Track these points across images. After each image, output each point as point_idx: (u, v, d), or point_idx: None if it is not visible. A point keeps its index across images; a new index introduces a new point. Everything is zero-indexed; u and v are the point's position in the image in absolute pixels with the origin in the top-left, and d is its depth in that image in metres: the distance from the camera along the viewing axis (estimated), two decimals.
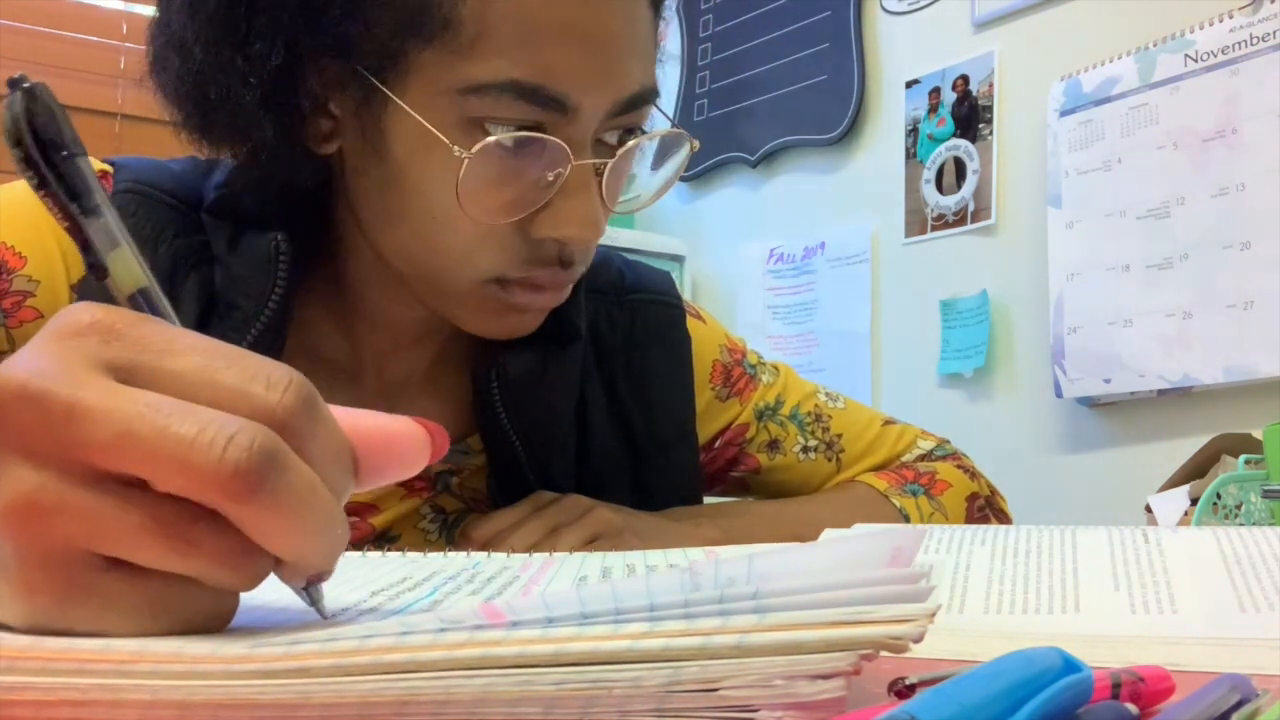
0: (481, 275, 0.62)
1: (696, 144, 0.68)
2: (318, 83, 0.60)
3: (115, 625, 0.27)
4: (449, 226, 0.59)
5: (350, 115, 0.61)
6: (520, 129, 0.57)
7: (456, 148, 0.57)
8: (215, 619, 0.29)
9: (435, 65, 0.57)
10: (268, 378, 0.28)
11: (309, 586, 0.31)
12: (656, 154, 0.69)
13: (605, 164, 0.61)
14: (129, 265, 0.33)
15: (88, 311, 0.28)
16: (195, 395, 0.27)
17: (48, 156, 0.32)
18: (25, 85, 0.31)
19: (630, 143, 0.62)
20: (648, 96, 0.62)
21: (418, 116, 0.57)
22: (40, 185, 0.32)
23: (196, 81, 0.60)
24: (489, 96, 0.56)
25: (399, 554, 0.53)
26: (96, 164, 0.69)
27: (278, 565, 0.29)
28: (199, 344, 0.28)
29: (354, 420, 0.31)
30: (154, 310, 0.33)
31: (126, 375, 0.27)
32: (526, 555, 0.55)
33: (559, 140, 0.58)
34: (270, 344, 0.63)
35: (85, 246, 0.32)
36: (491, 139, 0.57)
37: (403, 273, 0.65)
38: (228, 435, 0.26)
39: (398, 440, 0.31)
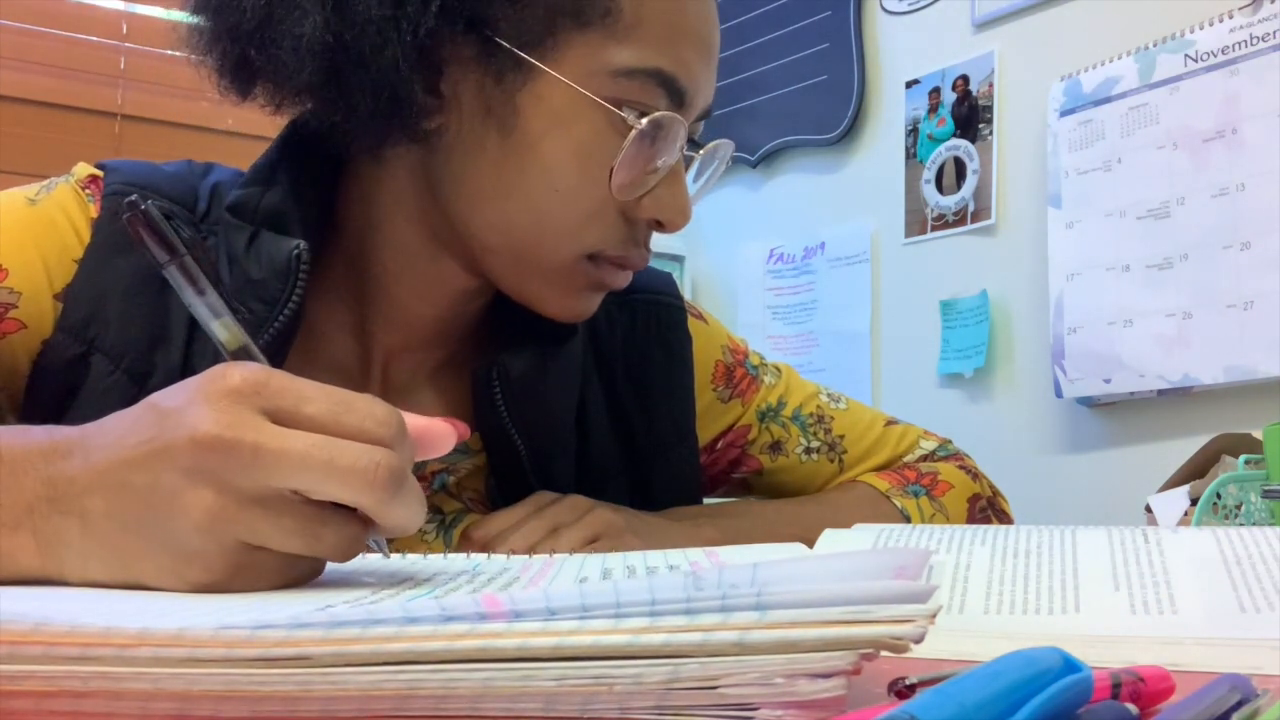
0: (583, 249, 0.65)
1: (731, 154, 0.76)
2: (446, 55, 0.61)
3: (257, 587, 0.39)
4: (567, 200, 0.63)
5: (472, 90, 0.62)
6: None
7: (630, 116, 0.62)
8: (317, 574, 0.42)
9: (588, 46, 0.61)
10: (375, 415, 0.40)
11: (385, 541, 0.46)
12: (702, 161, 0.75)
13: (695, 157, 0.70)
14: (230, 329, 0.48)
15: (236, 372, 0.39)
16: (329, 430, 0.38)
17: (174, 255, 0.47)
18: (153, 204, 0.47)
19: (717, 141, 0.72)
20: (713, 105, 0.71)
21: (585, 91, 0.61)
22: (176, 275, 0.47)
23: (344, 36, 0.58)
24: (637, 80, 0.62)
25: (399, 555, 0.53)
26: (87, 168, 0.69)
27: (375, 529, 0.41)
28: (318, 392, 0.40)
29: (409, 421, 0.42)
30: (254, 360, 0.46)
31: (274, 418, 0.38)
32: (527, 556, 0.55)
33: (686, 126, 0.64)
34: (279, 349, 0.62)
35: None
36: (654, 115, 0.62)
37: (488, 247, 0.65)
38: (375, 462, 0.38)
39: (432, 431, 0.45)
